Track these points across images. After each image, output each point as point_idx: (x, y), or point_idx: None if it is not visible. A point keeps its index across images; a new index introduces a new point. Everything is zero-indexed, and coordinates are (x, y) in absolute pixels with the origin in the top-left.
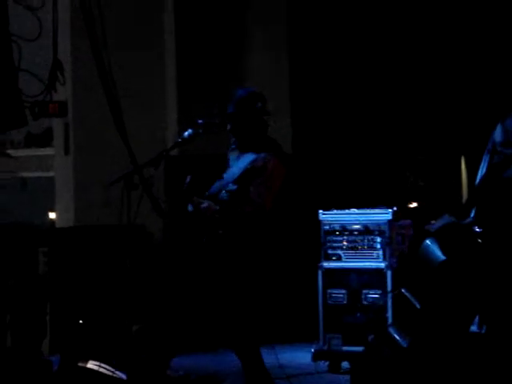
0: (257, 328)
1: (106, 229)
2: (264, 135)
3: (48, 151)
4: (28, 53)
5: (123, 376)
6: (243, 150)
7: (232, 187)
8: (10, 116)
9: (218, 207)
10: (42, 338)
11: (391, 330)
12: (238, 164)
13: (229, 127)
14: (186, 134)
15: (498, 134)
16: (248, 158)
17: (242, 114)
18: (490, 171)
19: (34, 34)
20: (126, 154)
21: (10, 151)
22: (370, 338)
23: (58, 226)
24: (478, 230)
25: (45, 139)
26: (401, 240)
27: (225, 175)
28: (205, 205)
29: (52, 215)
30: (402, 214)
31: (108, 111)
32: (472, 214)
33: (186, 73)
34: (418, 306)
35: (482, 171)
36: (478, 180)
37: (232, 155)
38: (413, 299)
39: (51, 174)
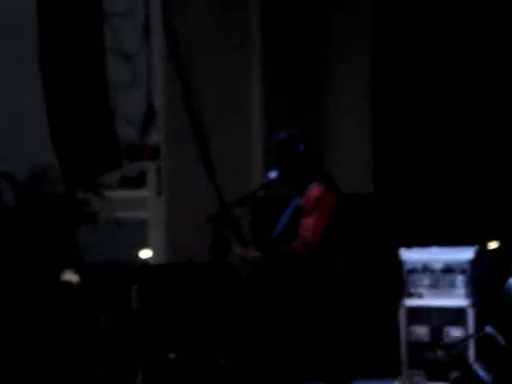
0: (349, 361)
1: (195, 266)
2: (312, 174)
3: (141, 193)
4: (123, 98)
5: None
6: (296, 190)
7: (281, 230)
8: (106, 159)
9: (259, 254)
10: (135, 373)
11: (475, 366)
12: (290, 207)
13: (276, 172)
14: (272, 176)
15: None
16: (296, 199)
17: (285, 158)
18: None
19: (129, 80)
20: (215, 195)
21: (105, 192)
22: (454, 374)
23: (150, 264)
24: None
25: (138, 181)
26: (482, 278)
27: (281, 218)
28: (248, 257)
29: (144, 253)
30: (482, 253)
31: (197, 154)
32: None
33: (271, 117)
34: (502, 343)
35: None
36: None
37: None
38: (498, 336)
39: (144, 214)
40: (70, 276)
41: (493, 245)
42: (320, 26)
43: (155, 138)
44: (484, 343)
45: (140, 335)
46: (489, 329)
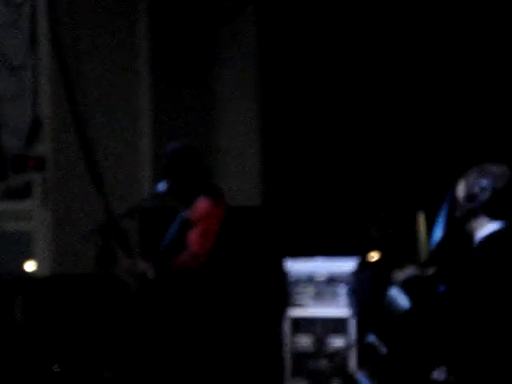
0: (234, 372)
1: (81, 277)
2: (200, 187)
3: (26, 204)
4: (9, 110)
5: None
6: (184, 203)
7: (168, 243)
8: None
9: (150, 265)
10: None
11: (358, 375)
12: (177, 219)
13: (164, 184)
14: (160, 188)
15: (460, 190)
16: (184, 212)
17: (175, 170)
18: (451, 225)
19: (15, 91)
20: (103, 206)
21: None
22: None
23: (35, 275)
24: (440, 282)
25: (24, 192)
26: (364, 289)
27: (168, 230)
28: (141, 267)
29: (30, 266)
30: (364, 263)
31: (85, 165)
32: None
33: (160, 126)
34: (384, 352)
35: (441, 226)
36: (437, 234)
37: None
38: (379, 345)
39: (30, 225)
40: None
41: (374, 256)
42: (208, 35)
43: (41, 148)
44: (366, 352)
45: (24, 347)
46: (371, 337)
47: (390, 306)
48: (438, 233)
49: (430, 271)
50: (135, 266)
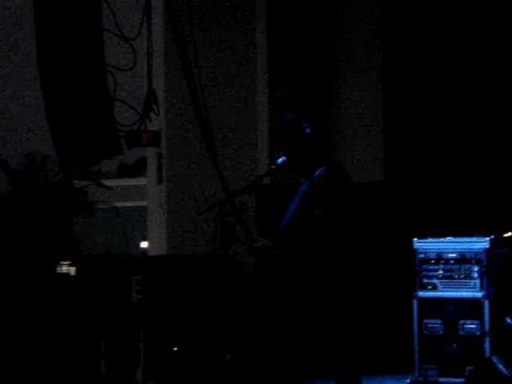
0: (357, 356)
1: (198, 258)
2: (319, 158)
3: (141, 181)
4: (123, 83)
5: None
6: (304, 176)
7: (289, 218)
8: (105, 145)
9: (272, 244)
10: (135, 366)
11: (494, 359)
12: (298, 193)
13: (283, 157)
14: (280, 160)
15: None
16: (304, 186)
17: (291, 141)
18: None
19: (129, 64)
20: (219, 181)
21: (103, 181)
22: (469, 369)
23: (150, 254)
24: None
25: (137, 169)
26: (498, 269)
27: (289, 206)
28: (259, 244)
29: (145, 244)
30: (498, 242)
31: (200, 140)
32: None
33: (278, 101)
34: None
35: None
36: None
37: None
38: None
39: (144, 203)
40: (67, 268)
41: (509, 234)
42: (330, 11)
43: (155, 123)
44: (503, 335)
45: (141, 327)
46: (509, 320)
47: None
48: None
49: None
50: (256, 243)
